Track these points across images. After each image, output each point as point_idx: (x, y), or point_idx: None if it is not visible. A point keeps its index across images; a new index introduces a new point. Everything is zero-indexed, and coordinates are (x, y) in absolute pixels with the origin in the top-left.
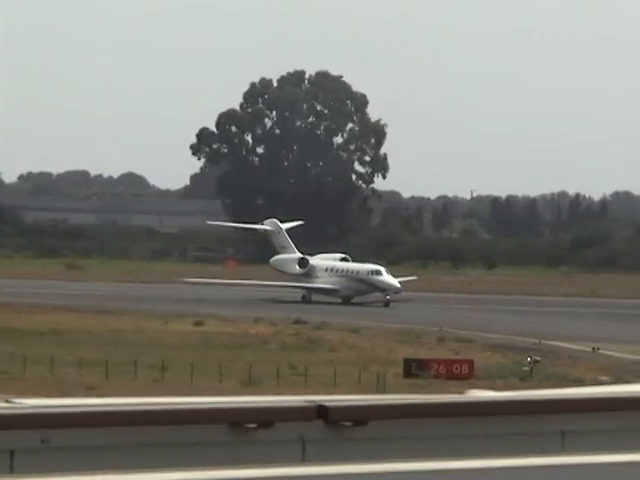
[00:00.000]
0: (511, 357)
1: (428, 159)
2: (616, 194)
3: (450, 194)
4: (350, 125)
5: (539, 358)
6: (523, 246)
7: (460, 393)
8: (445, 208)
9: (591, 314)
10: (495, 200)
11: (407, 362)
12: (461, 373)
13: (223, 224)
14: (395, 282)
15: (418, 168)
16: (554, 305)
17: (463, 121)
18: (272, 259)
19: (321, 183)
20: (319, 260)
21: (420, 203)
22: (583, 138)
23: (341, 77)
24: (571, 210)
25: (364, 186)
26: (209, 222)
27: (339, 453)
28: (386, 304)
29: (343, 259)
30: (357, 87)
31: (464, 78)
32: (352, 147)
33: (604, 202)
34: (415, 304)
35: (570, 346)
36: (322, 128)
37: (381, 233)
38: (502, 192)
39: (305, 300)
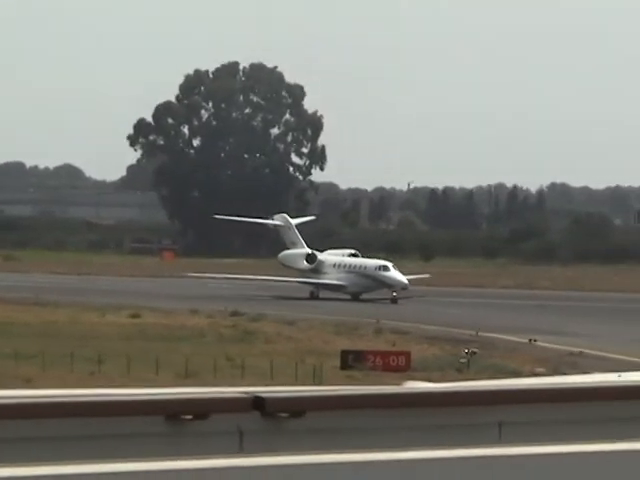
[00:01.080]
0: (448, 349)
1: (365, 151)
2: (553, 185)
3: (387, 186)
4: (287, 117)
5: (476, 350)
6: (460, 238)
7: (397, 384)
8: (382, 200)
9: (528, 306)
10: (432, 192)
11: (344, 354)
12: (398, 365)
13: (230, 218)
14: (402, 278)
15: (355, 160)
16: (491, 297)
17: (400, 113)
18: (280, 254)
19: (258, 175)
20: (328, 255)
21: (357, 195)
22: (519, 130)
23: (276, 68)
24: (508, 202)
25: (301, 178)
26: (217, 216)
27: (276, 444)
28: (393, 301)
29: (353, 255)
30: (292, 78)
31: (401, 69)
32: (289, 139)
33: (541, 194)
34: (420, 300)
35: (507, 338)
36: (259, 120)
37: (318, 225)
38: (439, 184)
39: (313, 296)
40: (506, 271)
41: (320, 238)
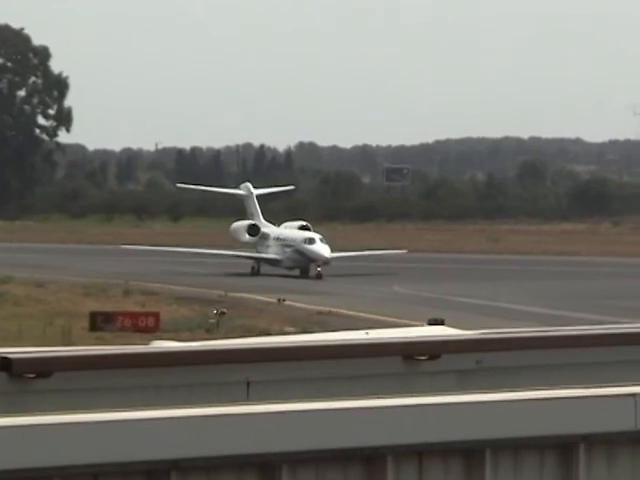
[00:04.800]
0: (197, 309)
1: (113, 112)
2: (301, 145)
3: (135, 146)
4: (33, 79)
5: (225, 310)
6: (208, 198)
7: (145, 344)
8: (130, 160)
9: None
10: (180, 152)
11: (93, 315)
12: (147, 326)
13: (193, 187)
14: (324, 252)
15: (103, 121)
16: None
17: (147, 73)
18: (232, 225)
19: (4, 137)
20: (272, 228)
21: (105, 156)
22: (264, 89)
23: (22, 30)
24: (256, 161)
25: (48, 139)
26: (179, 185)
27: (23, 405)
28: (318, 276)
29: (303, 227)
30: (38, 40)
31: (147, 30)
32: (35, 101)
33: (289, 153)
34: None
35: (257, 297)
36: (4, 82)
37: (65, 186)
38: (187, 144)
39: (253, 272)
40: None
41: (67, 200)
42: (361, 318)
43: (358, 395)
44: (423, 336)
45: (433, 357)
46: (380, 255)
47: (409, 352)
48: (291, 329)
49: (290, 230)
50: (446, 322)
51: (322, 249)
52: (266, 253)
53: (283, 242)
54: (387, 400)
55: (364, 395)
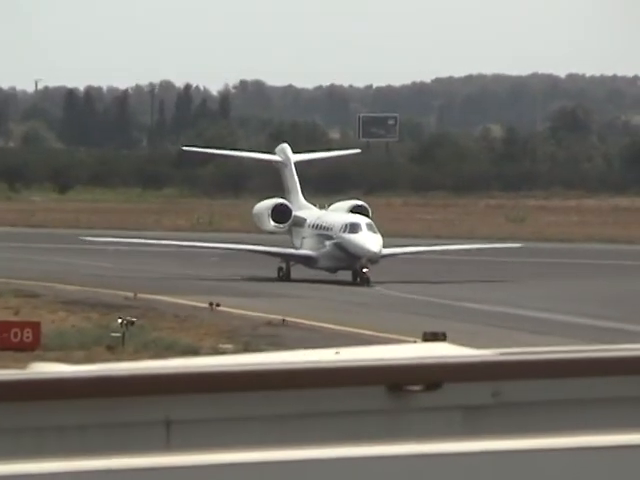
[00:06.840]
0: (95, 318)
1: None
2: (243, 85)
3: (5, 86)
4: None
5: (134, 318)
6: (109, 159)
7: (20, 368)
8: None
9: (213, 255)
10: (70, 94)
11: None
12: (22, 341)
13: (202, 151)
14: (370, 244)
15: None
16: (161, 246)
17: None
18: (254, 207)
19: None
20: (315, 211)
21: None
22: (191, 6)
23: None
24: (178, 107)
25: None
26: (184, 147)
27: None
28: (362, 280)
29: (356, 209)
30: None
31: None
32: None
33: (226, 96)
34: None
35: (179, 301)
36: None
37: None
38: (80, 83)
39: (281, 276)
40: (177, 207)
41: None
42: (326, 330)
43: (323, 440)
44: (417, 357)
45: (431, 387)
46: (486, 250)
47: (397, 380)
48: (229, 346)
49: (333, 214)
50: (448, 337)
51: (368, 240)
52: (300, 247)
53: (321, 231)
54: (364, 449)
55: (331, 440)
